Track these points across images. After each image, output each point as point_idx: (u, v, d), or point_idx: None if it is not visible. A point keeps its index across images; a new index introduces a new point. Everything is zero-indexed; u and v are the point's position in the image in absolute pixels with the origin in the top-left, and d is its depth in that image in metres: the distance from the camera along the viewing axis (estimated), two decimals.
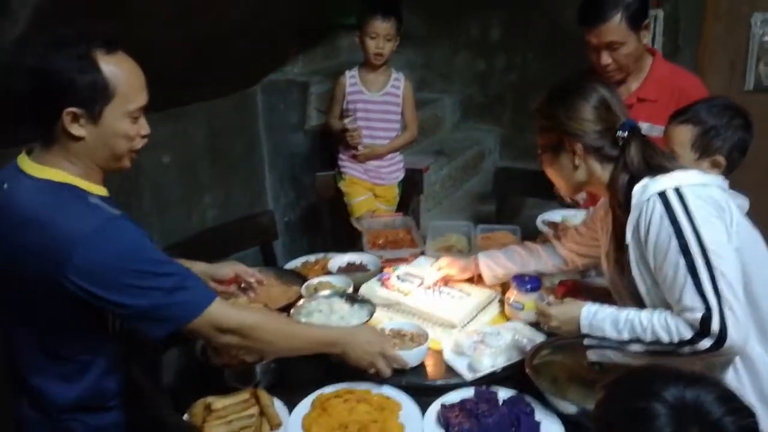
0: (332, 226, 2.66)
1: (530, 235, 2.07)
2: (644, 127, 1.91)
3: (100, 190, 1.26)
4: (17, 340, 1.28)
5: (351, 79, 2.58)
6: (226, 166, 2.94)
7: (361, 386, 1.41)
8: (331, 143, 2.73)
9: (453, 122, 3.88)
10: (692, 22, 3.21)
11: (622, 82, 1.94)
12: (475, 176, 3.62)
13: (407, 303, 1.66)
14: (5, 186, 1.20)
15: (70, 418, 1.29)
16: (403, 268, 1.85)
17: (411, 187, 2.67)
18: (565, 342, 1.45)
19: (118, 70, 1.19)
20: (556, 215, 2.11)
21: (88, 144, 1.20)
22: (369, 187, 2.63)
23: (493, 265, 1.72)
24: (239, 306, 1.51)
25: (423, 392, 1.39)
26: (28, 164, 1.21)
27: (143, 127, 1.26)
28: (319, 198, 2.72)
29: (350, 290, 1.76)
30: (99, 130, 1.19)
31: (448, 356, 1.48)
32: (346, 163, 2.63)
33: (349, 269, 1.96)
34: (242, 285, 1.64)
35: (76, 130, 1.18)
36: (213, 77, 2.65)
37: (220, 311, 1.24)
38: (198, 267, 1.54)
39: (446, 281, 1.77)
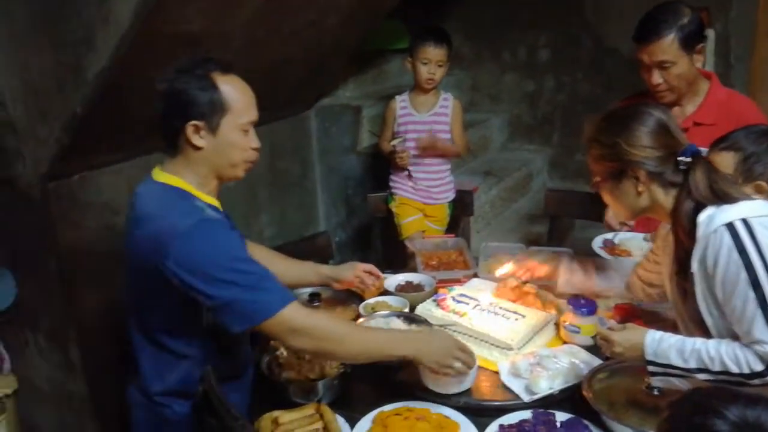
0: (383, 247, 2.73)
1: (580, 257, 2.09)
2: (702, 152, 1.93)
3: (211, 200, 1.43)
4: (134, 326, 1.46)
5: (401, 102, 2.66)
6: (283, 186, 3.05)
7: (421, 405, 1.45)
8: (383, 165, 2.80)
9: (501, 143, 3.92)
10: (743, 40, 3.19)
11: (676, 104, 1.95)
12: (524, 197, 3.64)
13: (463, 324, 1.70)
14: (137, 190, 1.43)
15: (163, 402, 1.45)
16: (457, 289, 1.89)
17: (461, 208, 2.72)
18: (622, 366, 1.47)
19: (232, 88, 1.38)
20: (611, 236, 2.12)
21: (207, 153, 1.39)
22: (419, 207, 2.69)
23: (572, 271, 1.79)
24: (314, 310, 1.64)
25: (480, 413, 1.43)
26: (157, 173, 1.43)
27: (253, 140, 1.44)
28: (371, 218, 2.79)
29: (407, 310, 1.81)
30: (216, 141, 1.38)
31: (505, 378, 1.52)
32: (397, 184, 2.70)
33: (405, 289, 2.01)
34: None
35: (197, 140, 1.37)
36: (273, 102, 2.77)
37: (295, 313, 1.33)
38: (323, 270, 1.81)
39: (525, 272, 1.89)
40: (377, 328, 1.62)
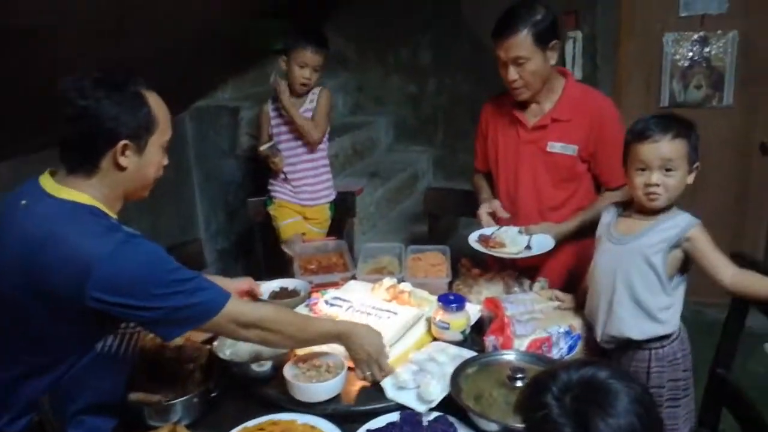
0: (265, 253, 2.63)
1: (462, 254, 2.10)
2: (557, 146, 1.98)
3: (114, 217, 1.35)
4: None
5: (273, 104, 2.57)
6: (157, 194, 2.84)
7: (287, 417, 1.38)
8: (263, 168, 2.70)
9: (387, 144, 3.93)
10: (609, 42, 3.37)
11: (533, 102, 2.00)
12: (410, 198, 3.66)
13: None
14: (23, 203, 1.27)
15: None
16: (331, 293, 1.84)
17: (344, 210, 2.68)
18: (489, 359, 1.48)
19: (156, 104, 1.33)
20: (487, 230, 2.13)
21: (129, 173, 1.32)
22: (298, 209, 2.61)
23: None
24: (251, 302, 1.69)
25: (350, 419, 1.37)
26: (51, 185, 1.29)
27: (166, 157, 1.40)
28: (251, 224, 2.68)
29: None
30: (141, 160, 1.32)
31: (392, 394, 1.42)
32: (275, 187, 2.61)
33: (280, 296, 1.93)
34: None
35: (124, 161, 1.29)
36: None
37: (239, 307, 1.35)
38: (217, 280, 1.67)
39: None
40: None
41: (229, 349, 1.57)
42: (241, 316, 1.34)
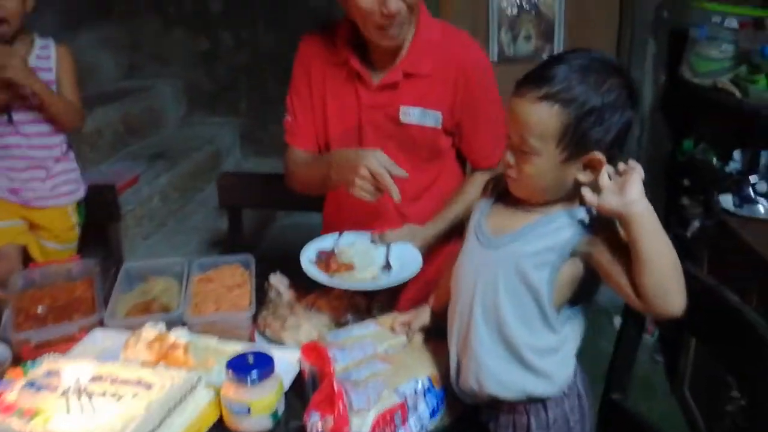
0: None
1: (277, 264, 1.45)
2: (413, 113, 1.39)
3: None
4: None
5: None
6: None
7: None
8: None
9: (178, 116, 3.12)
10: None
11: (395, 51, 1.37)
12: (212, 184, 2.91)
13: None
14: None
15: None
16: (46, 364, 1.09)
17: (102, 213, 1.87)
18: None
19: None
20: (327, 240, 1.42)
21: None
22: (20, 212, 1.78)
23: None
24: None
25: None
26: None
27: None
28: None
29: None
30: None
31: None
32: None
33: None
34: None
35: None
36: None
37: None
38: None
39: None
40: None
41: None
42: None
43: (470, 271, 1.06)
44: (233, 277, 1.45)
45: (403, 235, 1.39)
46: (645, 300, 0.88)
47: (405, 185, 1.33)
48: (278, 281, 1.36)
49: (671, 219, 2.55)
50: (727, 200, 1.97)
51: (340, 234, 1.41)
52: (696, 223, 2.38)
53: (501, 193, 1.08)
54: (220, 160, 3.03)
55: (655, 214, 0.87)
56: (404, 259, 1.32)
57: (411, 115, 1.40)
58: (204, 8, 3.03)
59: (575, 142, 0.92)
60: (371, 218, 1.47)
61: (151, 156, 2.59)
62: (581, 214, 0.96)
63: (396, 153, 1.37)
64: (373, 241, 1.39)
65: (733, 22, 2.22)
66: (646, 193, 0.87)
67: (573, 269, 0.96)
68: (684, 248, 2.39)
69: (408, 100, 1.39)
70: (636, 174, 0.88)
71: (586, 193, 0.91)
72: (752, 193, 1.93)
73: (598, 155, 0.93)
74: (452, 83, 1.38)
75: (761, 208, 1.93)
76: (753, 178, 1.96)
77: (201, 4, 3.03)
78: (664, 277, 0.86)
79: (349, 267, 1.29)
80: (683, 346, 2.23)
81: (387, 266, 1.31)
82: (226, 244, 1.80)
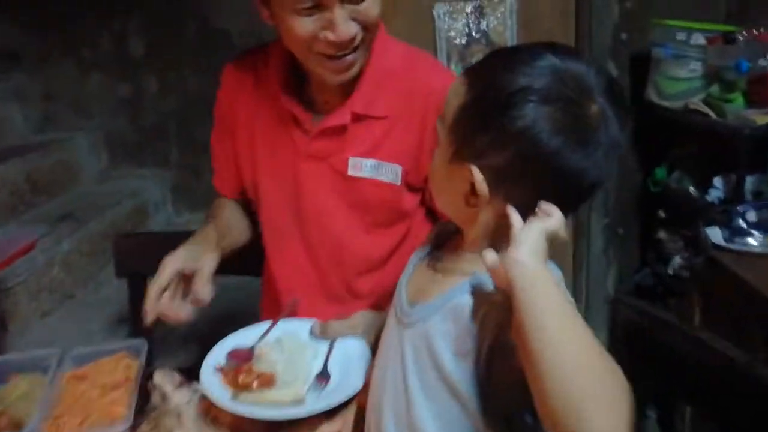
0: None
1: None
2: (366, 165, 1.06)
3: None
4: None
5: None
6: None
7: None
8: None
9: (96, 171, 2.78)
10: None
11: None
12: None
13: None
14: None
15: None
16: None
17: None
18: None
19: None
20: (250, 336, 1.04)
21: None
22: None
23: None
24: None
25: None
26: None
27: None
28: None
29: None
30: None
31: None
32: None
33: None
34: None
35: None
36: None
37: None
38: None
39: None
40: None
41: None
42: None
43: (384, 357, 0.76)
44: (113, 373, 1.11)
45: (353, 327, 1.03)
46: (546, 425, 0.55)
47: (356, 255, 1.08)
48: (163, 380, 1.02)
49: (648, 256, 2.30)
50: (715, 233, 1.73)
51: (274, 322, 1.07)
52: (678, 259, 2.13)
53: (439, 242, 0.80)
54: (145, 218, 2.69)
55: (558, 287, 0.56)
56: (350, 365, 0.97)
57: (363, 168, 1.07)
58: (123, 51, 2.74)
59: (461, 133, 0.66)
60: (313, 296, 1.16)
61: (57, 217, 2.24)
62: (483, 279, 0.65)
63: (346, 214, 1.09)
64: (311, 334, 1.04)
65: (700, 39, 2.03)
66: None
67: (511, 360, 0.60)
68: (666, 287, 2.15)
69: (358, 150, 1.07)
70: (533, 222, 0.58)
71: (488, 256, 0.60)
72: (743, 224, 1.69)
73: (473, 170, 0.64)
74: (417, 124, 1.06)
75: (754, 241, 1.69)
76: (741, 208, 1.73)
77: (120, 47, 2.74)
78: (571, 396, 0.51)
79: (268, 380, 0.92)
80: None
81: (323, 376, 0.95)
82: (130, 323, 1.46)
